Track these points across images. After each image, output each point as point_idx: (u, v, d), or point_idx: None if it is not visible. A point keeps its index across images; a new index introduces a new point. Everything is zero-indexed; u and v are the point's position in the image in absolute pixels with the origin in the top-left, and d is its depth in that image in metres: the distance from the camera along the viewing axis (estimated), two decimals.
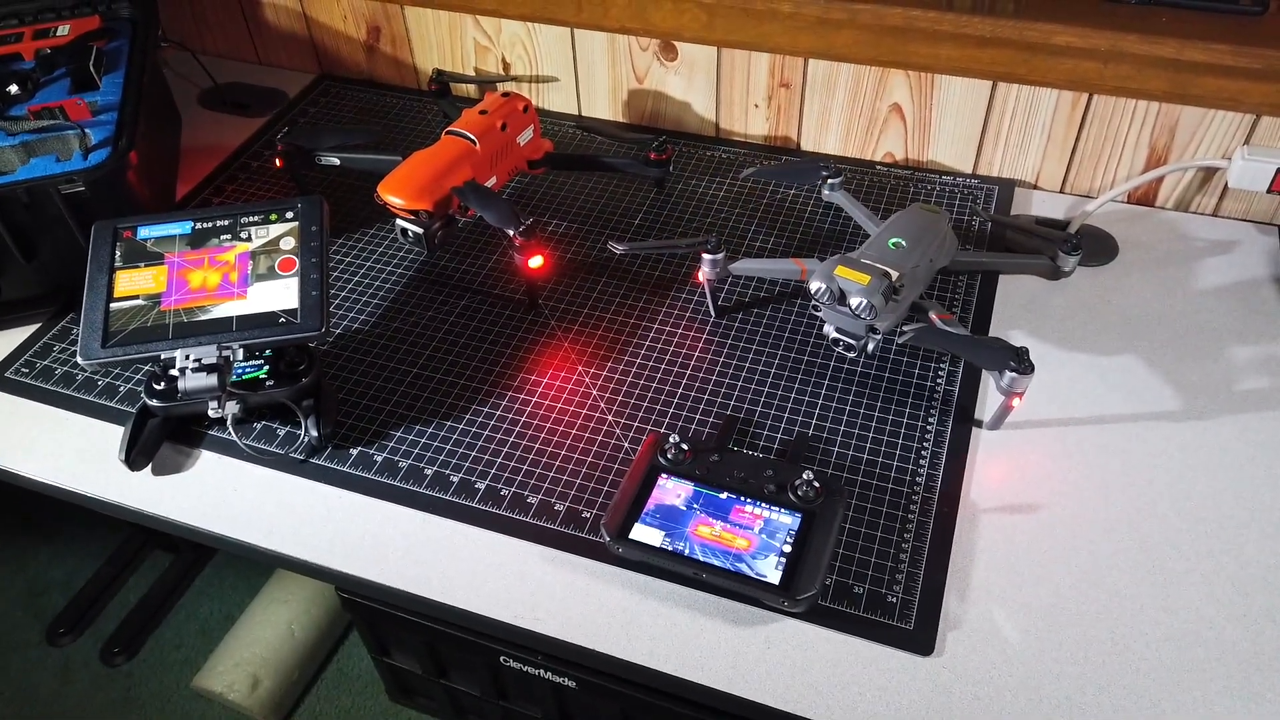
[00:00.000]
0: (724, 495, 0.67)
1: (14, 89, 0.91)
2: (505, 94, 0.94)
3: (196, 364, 0.71)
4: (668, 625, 0.64)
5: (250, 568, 1.55)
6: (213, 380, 0.71)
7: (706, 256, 0.81)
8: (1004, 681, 0.60)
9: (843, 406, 0.77)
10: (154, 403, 0.75)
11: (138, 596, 1.52)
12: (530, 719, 0.97)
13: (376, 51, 1.15)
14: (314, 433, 0.75)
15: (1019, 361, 0.69)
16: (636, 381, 0.80)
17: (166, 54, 1.19)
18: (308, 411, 0.76)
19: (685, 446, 0.69)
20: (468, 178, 0.87)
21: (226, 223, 0.78)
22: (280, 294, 0.74)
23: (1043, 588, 0.65)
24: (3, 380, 0.83)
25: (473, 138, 0.88)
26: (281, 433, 0.77)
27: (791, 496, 0.66)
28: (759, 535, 0.65)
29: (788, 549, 0.64)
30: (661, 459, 0.69)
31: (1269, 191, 0.88)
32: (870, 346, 0.76)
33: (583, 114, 1.11)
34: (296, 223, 0.78)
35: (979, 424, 0.75)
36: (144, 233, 0.77)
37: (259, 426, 0.78)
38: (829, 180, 0.94)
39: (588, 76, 1.07)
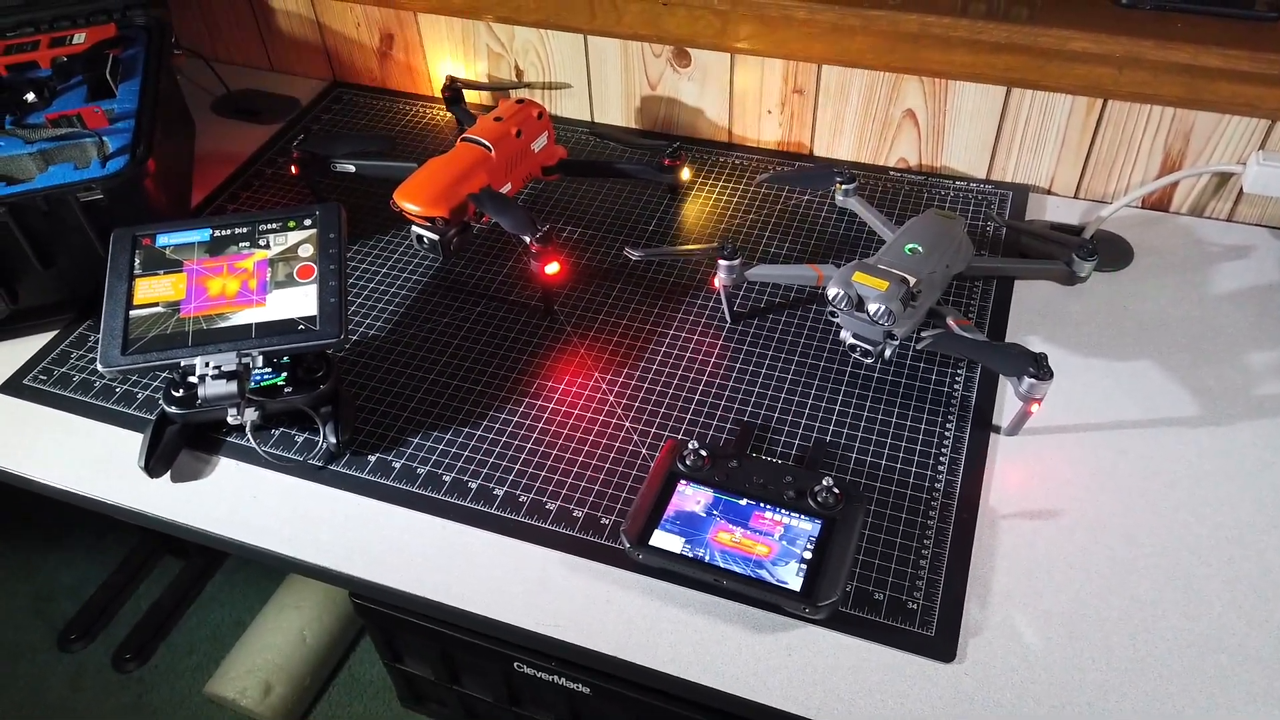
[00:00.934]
0: (744, 502, 0.67)
1: (31, 97, 0.91)
2: (520, 101, 0.94)
3: (216, 371, 0.71)
4: (689, 631, 0.64)
5: (261, 573, 1.55)
6: (232, 387, 0.71)
7: (722, 262, 0.81)
8: (1026, 688, 0.60)
9: (860, 412, 0.77)
10: (173, 410, 0.75)
11: (149, 602, 1.52)
12: None
13: (389, 58, 1.15)
14: (332, 439, 0.75)
15: (1038, 367, 0.69)
16: (653, 388, 0.80)
17: (179, 61, 1.19)
18: (326, 418, 0.76)
19: (704, 453, 0.69)
20: (483, 184, 0.87)
21: (245, 230, 0.78)
22: (299, 301, 0.74)
23: (1063, 594, 0.65)
24: (21, 387, 0.83)
25: (488, 144, 0.89)
26: (300, 439, 0.77)
27: (811, 503, 0.66)
28: (779, 542, 0.65)
29: (808, 555, 0.64)
30: (680, 465, 0.69)
31: None
32: (887, 352, 0.77)
33: (595, 121, 1.12)
34: (315, 230, 0.78)
35: (997, 430, 0.75)
36: (163, 240, 0.77)
37: (277, 433, 0.78)
38: (843, 186, 0.94)
39: (600, 83, 1.08)
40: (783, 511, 0.66)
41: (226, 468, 0.76)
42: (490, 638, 0.83)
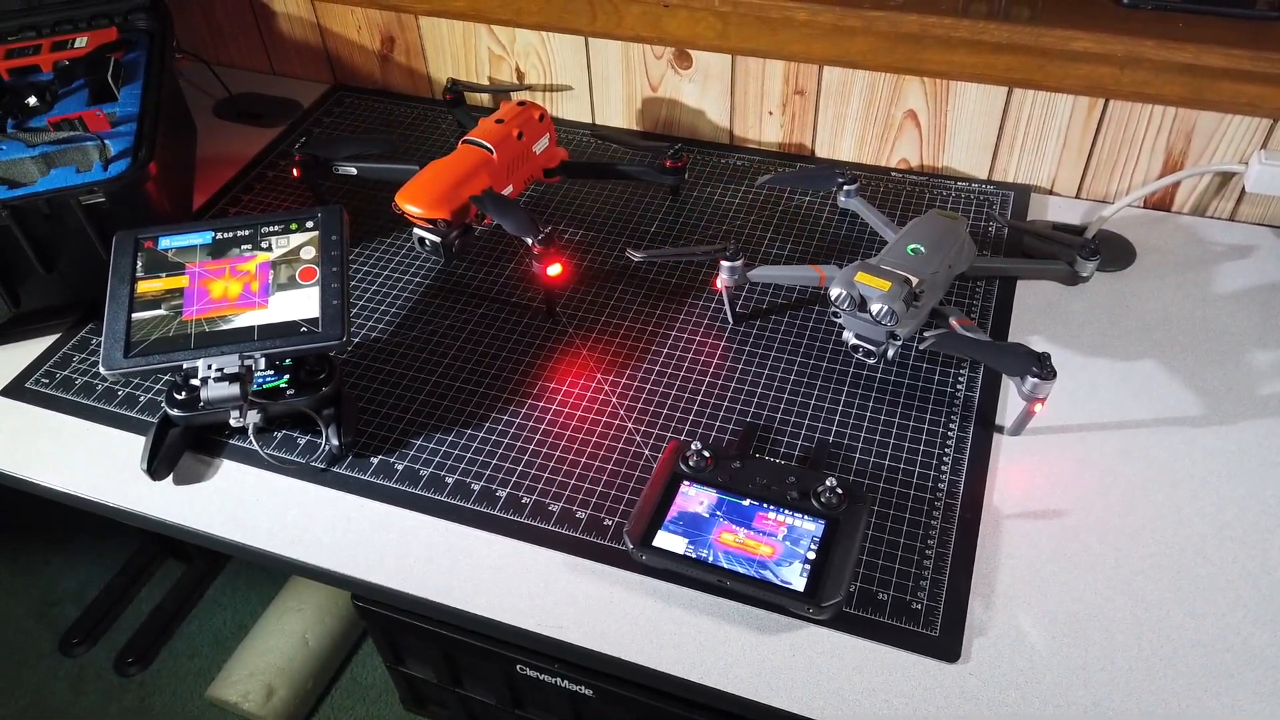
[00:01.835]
0: (747, 502, 0.67)
1: (33, 100, 0.91)
2: (521, 103, 0.94)
3: (219, 373, 0.71)
4: (692, 632, 0.64)
5: (263, 577, 1.55)
6: (235, 390, 0.71)
7: (725, 264, 0.81)
8: (1031, 688, 0.60)
9: (863, 413, 0.77)
10: (175, 412, 0.75)
11: (151, 606, 1.52)
12: None
13: (391, 61, 1.15)
14: (335, 441, 0.75)
15: (1041, 367, 0.69)
16: (655, 389, 0.80)
17: (181, 64, 1.19)
18: (328, 420, 0.76)
19: (707, 453, 0.69)
20: (485, 186, 0.87)
21: (247, 233, 0.78)
22: (301, 303, 0.74)
23: (1068, 594, 0.64)
24: (23, 391, 0.83)
25: (490, 147, 0.89)
26: (302, 441, 0.77)
27: (815, 503, 0.66)
28: (783, 542, 0.64)
29: (812, 556, 0.64)
30: (683, 466, 0.69)
31: None
32: (890, 353, 0.76)
33: (597, 123, 1.12)
34: (316, 232, 0.78)
35: (1000, 429, 0.75)
36: (165, 243, 0.77)
37: (279, 435, 0.78)
38: (845, 187, 0.94)
39: (602, 85, 1.08)
40: (786, 512, 0.66)
41: (229, 470, 0.76)
42: (493, 639, 0.82)
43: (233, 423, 0.73)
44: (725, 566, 0.63)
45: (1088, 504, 0.70)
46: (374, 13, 1.11)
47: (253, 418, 0.73)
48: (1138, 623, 0.63)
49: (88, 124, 0.87)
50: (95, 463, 0.77)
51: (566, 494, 0.72)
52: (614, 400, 0.79)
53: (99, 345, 0.87)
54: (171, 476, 0.75)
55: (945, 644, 0.62)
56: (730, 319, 0.85)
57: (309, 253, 0.77)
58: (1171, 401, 0.77)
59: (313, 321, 0.73)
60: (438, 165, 0.88)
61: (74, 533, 1.63)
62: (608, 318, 0.87)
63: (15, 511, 1.67)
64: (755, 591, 0.63)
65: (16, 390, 0.83)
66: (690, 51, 1.01)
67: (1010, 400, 0.77)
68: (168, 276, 0.76)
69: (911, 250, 0.77)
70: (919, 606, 0.64)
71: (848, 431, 0.76)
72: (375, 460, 0.75)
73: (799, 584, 0.62)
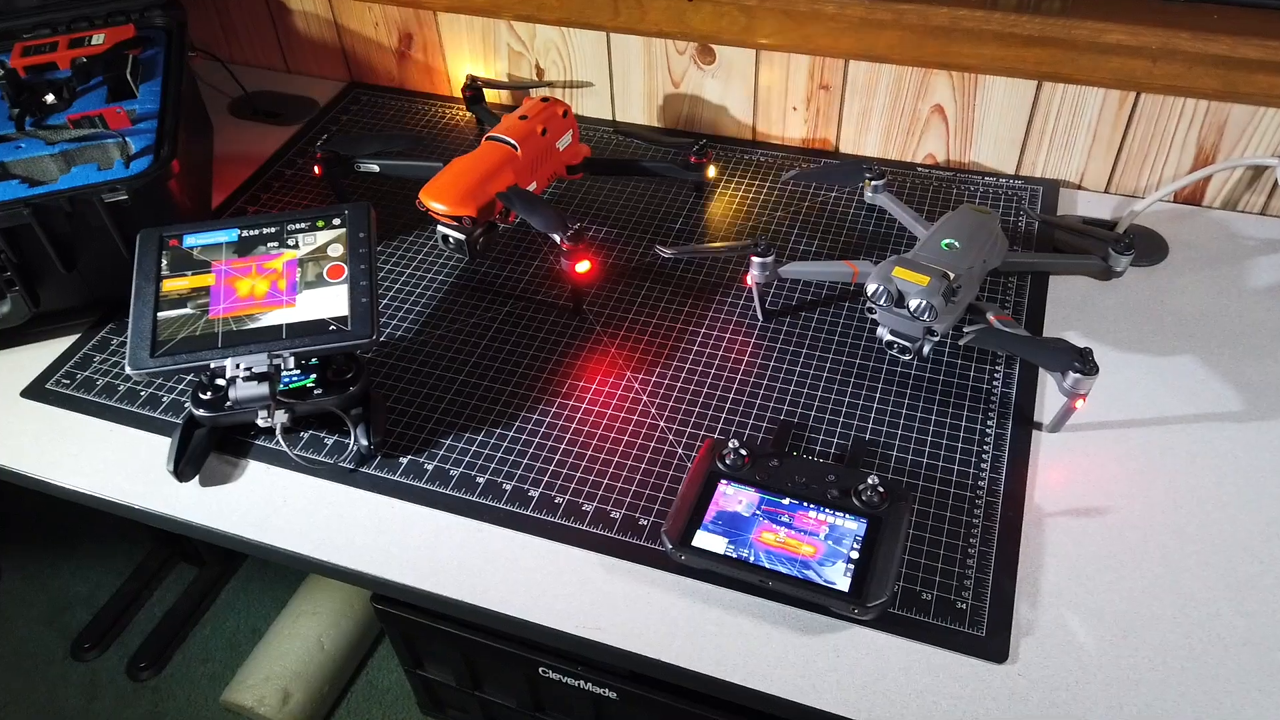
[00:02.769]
0: (787, 501, 0.66)
1: (50, 98, 0.90)
2: (545, 99, 0.93)
3: (247, 373, 0.70)
4: (734, 634, 0.62)
5: (277, 580, 1.54)
6: (264, 389, 0.70)
7: (756, 259, 0.80)
8: (1082, 689, 0.59)
9: (898, 410, 0.76)
10: (201, 412, 0.74)
11: (163, 610, 1.50)
12: None
13: (408, 58, 1.14)
14: (363, 441, 0.74)
15: (1083, 362, 0.68)
16: (686, 387, 0.79)
17: (196, 63, 1.18)
18: (357, 420, 0.75)
19: (744, 452, 0.68)
20: (509, 183, 0.86)
21: (273, 230, 0.77)
22: (330, 301, 0.73)
23: (1115, 593, 0.63)
24: (44, 392, 0.82)
25: (514, 143, 0.88)
26: (329, 442, 0.76)
27: (856, 502, 0.65)
28: (825, 541, 0.63)
29: (855, 555, 0.62)
30: (720, 465, 0.68)
31: None
32: (925, 349, 0.75)
33: (618, 119, 1.11)
34: (344, 229, 0.77)
35: (1038, 426, 0.74)
36: (190, 241, 0.76)
37: (306, 436, 0.77)
38: (872, 182, 0.93)
39: (623, 81, 1.07)
40: (827, 511, 0.65)
41: (256, 471, 0.75)
42: (516, 641, 0.81)
43: (260, 423, 0.72)
44: (768, 566, 0.62)
45: (1131, 501, 0.69)
46: (392, 9, 1.10)
47: (280, 418, 0.72)
48: (1188, 621, 0.62)
49: (108, 121, 0.85)
50: (119, 464, 0.76)
51: (600, 493, 0.71)
52: (645, 398, 0.78)
53: (120, 345, 0.85)
54: (198, 478, 0.74)
55: (993, 644, 0.61)
56: (760, 316, 0.84)
57: (336, 250, 0.76)
58: (1210, 397, 0.76)
59: (341, 320, 0.72)
60: (462, 162, 0.86)
61: (84, 536, 1.62)
62: (635, 315, 0.86)
63: (25, 516, 1.66)
64: (799, 592, 0.62)
65: (37, 391, 0.82)
66: (714, 46, 1.00)
67: (1048, 397, 0.76)
68: (193, 275, 0.74)
69: (946, 245, 0.76)
70: (964, 606, 0.63)
71: (884, 430, 0.74)
72: (404, 460, 0.74)
73: (843, 584, 0.61)
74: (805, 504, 0.66)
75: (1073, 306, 0.84)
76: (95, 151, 0.85)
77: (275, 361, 0.71)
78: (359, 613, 1.40)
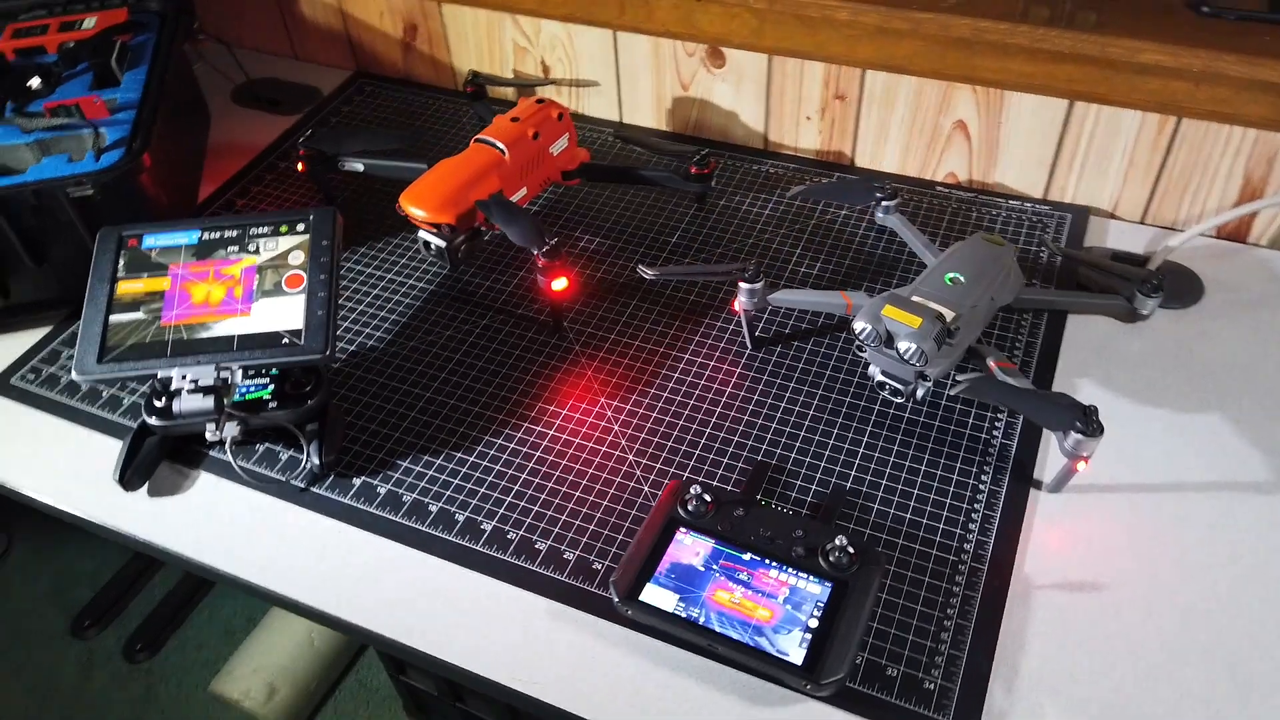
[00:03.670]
0: (747, 556, 0.61)
1: (36, 83, 0.88)
2: (539, 100, 0.88)
3: (192, 385, 0.67)
4: (677, 698, 0.58)
5: None
6: (209, 403, 0.67)
7: (744, 285, 0.75)
8: None
9: (886, 458, 0.70)
10: (153, 420, 0.71)
11: (163, 593, 1.50)
12: None
13: (413, 50, 1.10)
14: (315, 460, 0.70)
15: (1086, 422, 0.61)
16: (662, 418, 0.74)
17: (203, 46, 1.16)
18: (311, 437, 0.71)
19: (708, 498, 0.63)
20: (495, 189, 0.82)
21: (235, 234, 0.74)
22: (285, 312, 0.70)
23: (1103, 681, 0.57)
24: (8, 387, 0.80)
25: (502, 147, 0.83)
26: (284, 457, 0.73)
27: (822, 563, 0.60)
28: (783, 605, 0.58)
29: (814, 624, 0.57)
30: (681, 510, 0.63)
31: None
32: (920, 393, 0.69)
33: (624, 121, 1.05)
34: (307, 236, 0.73)
35: (1038, 485, 0.68)
36: (149, 241, 0.73)
37: (261, 449, 0.73)
38: (883, 202, 0.86)
39: (630, 82, 1.01)
40: (790, 570, 0.60)
41: (205, 484, 0.72)
42: None
43: (209, 436, 0.69)
44: (717, 630, 0.57)
45: (1133, 577, 0.62)
46: None
47: (231, 431, 0.69)
48: None
49: (85, 110, 0.83)
50: (69, 468, 0.73)
51: (556, 531, 0.67)
52: (616, 428, 0.73)
53: None
54: (146, 487, 0.71)
55: None
56: (748, 343, 0.79)
57: (298, 257, 0.72)
58: (1236, 462, 0.69)
59: (295, 333, 0.69)
60: (446, 165, 0.82)
61: None
62: (618, 335, 0.81)
63: None
64: (749, 660, 0.57)
65: (2, 386, 0.80)
66: (724, 49, 0.94)
67: (1052, 450, 0.69)
68: (149, 278, 0.72)
69: (950, 279, 0.70)
70: (932, 686, 0.57)
71: (867, 478, 0.69)
72: (358, 482, 0.71)
73: (797, 656, 0.56)
74: (767, 561, 0.60)
75: (1091, 350, 0.77)
76: (70, 142, 0.82)
77: (223, 374, 0.67)
78: None
